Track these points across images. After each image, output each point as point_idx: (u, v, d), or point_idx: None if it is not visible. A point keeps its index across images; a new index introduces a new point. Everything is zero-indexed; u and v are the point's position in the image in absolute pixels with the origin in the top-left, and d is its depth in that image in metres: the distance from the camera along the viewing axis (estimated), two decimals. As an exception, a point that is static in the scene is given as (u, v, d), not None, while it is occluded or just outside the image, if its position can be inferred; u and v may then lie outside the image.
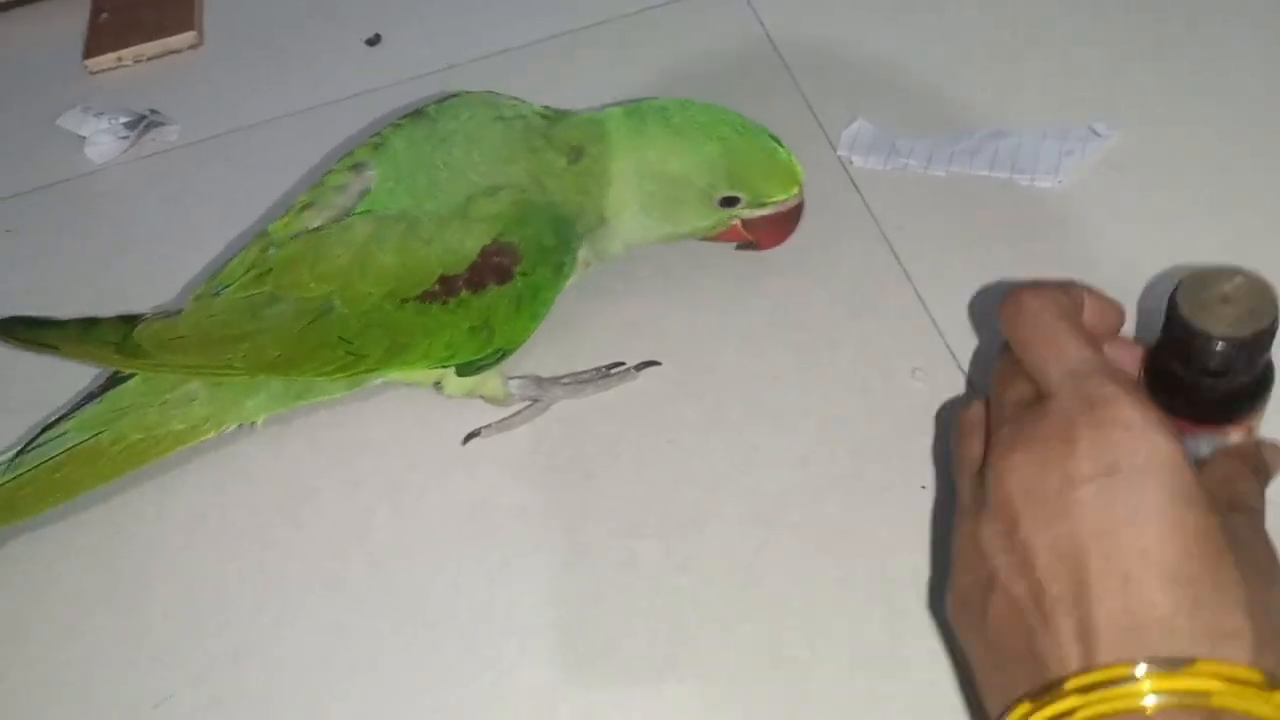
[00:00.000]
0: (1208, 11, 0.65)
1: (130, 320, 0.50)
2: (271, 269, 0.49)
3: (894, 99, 0.64)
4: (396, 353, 0.50)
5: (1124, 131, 0.59)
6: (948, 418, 0.49)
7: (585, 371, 0.55)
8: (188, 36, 0.80)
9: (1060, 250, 0.55)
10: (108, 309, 0.52)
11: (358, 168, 0.50)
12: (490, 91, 0.53)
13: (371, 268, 0.48)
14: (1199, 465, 0.37)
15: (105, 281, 0.65)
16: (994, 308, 0.53)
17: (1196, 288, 0.37)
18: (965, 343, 0.53)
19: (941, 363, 0.52)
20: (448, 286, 0.48)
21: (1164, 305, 0.37)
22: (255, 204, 0.66)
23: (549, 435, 0.53)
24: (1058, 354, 0.38)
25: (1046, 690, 0.33)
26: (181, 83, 0.78)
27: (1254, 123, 0.59)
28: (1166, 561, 0.33)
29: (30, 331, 0.51)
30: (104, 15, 0.82)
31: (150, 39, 0.80)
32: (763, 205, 0.52)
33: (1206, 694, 0.31)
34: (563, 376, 0.55)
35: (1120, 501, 0.34)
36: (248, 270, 0.49)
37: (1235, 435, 0.40)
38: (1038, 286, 0.40)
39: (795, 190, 0.52)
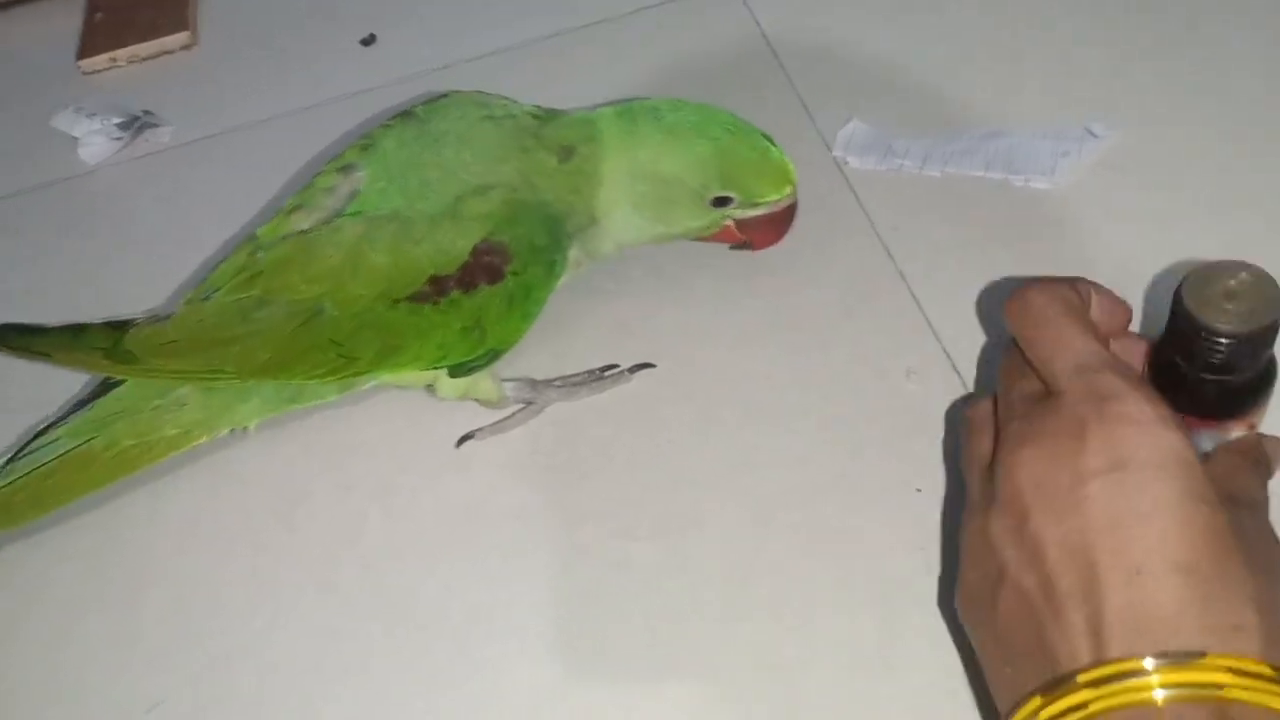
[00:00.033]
0: (1207, 11, 0.65)
1: (120, 326, 0.50)
2: (261, 272, 0.48)
3: (890, 99, 0.64)
4: (388, 354, 0.49)
5: (1121, 132, 0.59)
6: (954, 416, 0.49)
7: (579, 374, 0.54)
8: (182, 37, 0.80)
9: (1056, 251, 0.55)
10: (102, 310, 0.52)
11: (346, 169, 0.50)
12: (480, 91, 0.53)
13: (362, 269, 0.47)
14: (1201, 460, 0.37)
15: (98, 283, 0.65)
16: (989, 308, 0.53)
17: (1201, 283, 0.37)
18: (960, 343, 0.52)
19: (936, 364, 0.52)
20: (439, 287, 0.48)
21: (1161, 305, 0.37)
22: (249, 204, 0.65)
23: (543, 437, 0.53)
24: (1065, 349, 0.38)
25: (1058, 684, 0.33)
26: (175, 83, 0.78)
27: (1253, 123, 0.59)
28: (1176, 555, 0.33)
29: (21, 339, 0.51)
30: (99, 15, 0.82)
31: (144, 39, 0.79)
32: (755, 205, 0.52)
33: (1217, 686, 0.31)
34: (556, 379, 0.54)
35: (1130, 496, 0.34)
36: (237, 274, 0.49)
37: (1237, 431, 0.40)
38: (1044, 282, 0.40)
39: (788, 190, 0.52)
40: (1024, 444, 0.37)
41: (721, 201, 0.51)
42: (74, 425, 0.52)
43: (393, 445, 0.54)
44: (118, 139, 0.73)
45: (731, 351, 0.54)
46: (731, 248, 0.56)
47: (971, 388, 0.51)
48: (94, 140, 0.73)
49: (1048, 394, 0.38)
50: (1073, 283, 0.41)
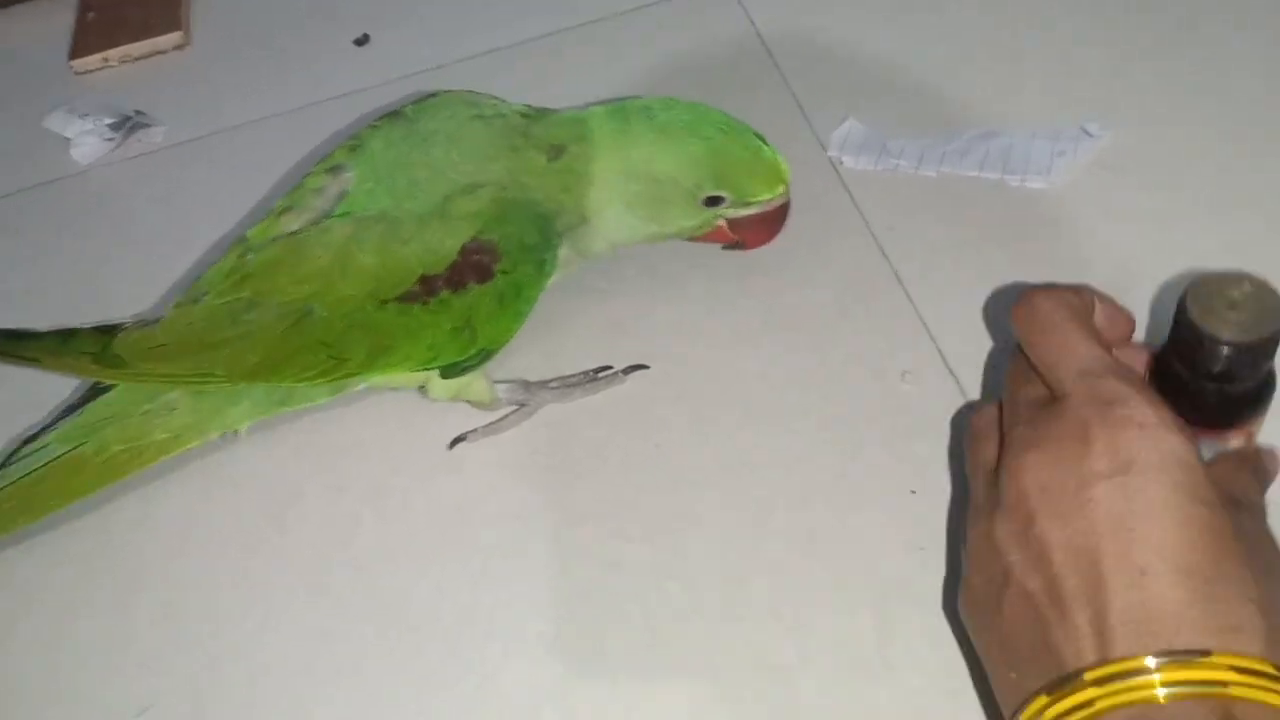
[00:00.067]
0: (1206, 11, 0.65)
1: (109, 330, 0.50)
2: (250, 274, 0.48)
3: (885, 99, 0.64)
4: (378, 355, 0.49)
5: (1118, 132, 0.59)
6: (952, 419, 0.49)
7: (572, 375, 0.54)
8: (174, 37, 0.80)
9: (1052, 251, 0.55)
10: (94, 311, 0.52)
11: (335, 170, 0.50)
12: (469, 90, 0.53)
13: (351, 269, 0.47)
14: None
15: (91, 284, 0.65)
16: (986, 309, 0.53)
17: (1206, 292, 0.37)
18: (955, 345, 0.52)
19: (931, 365, 0.52)
20: (428, 286, 0.48)
21: (1159, 306, 0.37)
22: (242, 204, 0.65)
23: (536, 439, 0.53)
24: (1069, 354, 0.38)
25: (1063, 683, 0.34)
26: (168, 83, 0.78)
27: (1251, 123, 0.59)
28: (1180, 556, 0.34)
29: (10, 344, 0.51)
30: (91, 14, 0.82)
31: (137, 39, 0.79)
32: (748, 205, 0.51)
33: (1221, 685, 0.32)
34: (550, 380, 0.54)
35: (1135, 498, 0.35)
36: (226, 276, 0.49)
37: (1235, 441, 0.40)
38: (1049, 288, 0.41)
39: (781, 189, 0.51)
40: (1029, 448, 0.37)
41: (714, 201, 0.51)
42: (64, 431, 0.52)
43: (385, 447, 0.54)
44: (110, 139, 0.73)
45: (726, 352, 0.54)
46: (724, 248, 0.55)
47: (967, 389, 0.51)
48: (86, 141, 0.73)
49: (1053, 399, 0.39)
50: (1078, 290, 0.41)
